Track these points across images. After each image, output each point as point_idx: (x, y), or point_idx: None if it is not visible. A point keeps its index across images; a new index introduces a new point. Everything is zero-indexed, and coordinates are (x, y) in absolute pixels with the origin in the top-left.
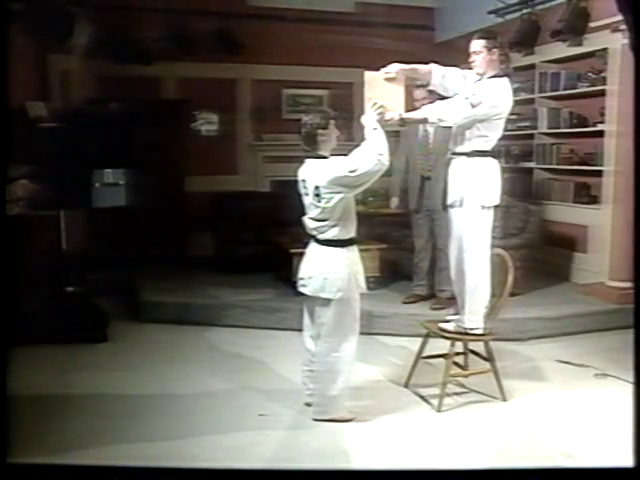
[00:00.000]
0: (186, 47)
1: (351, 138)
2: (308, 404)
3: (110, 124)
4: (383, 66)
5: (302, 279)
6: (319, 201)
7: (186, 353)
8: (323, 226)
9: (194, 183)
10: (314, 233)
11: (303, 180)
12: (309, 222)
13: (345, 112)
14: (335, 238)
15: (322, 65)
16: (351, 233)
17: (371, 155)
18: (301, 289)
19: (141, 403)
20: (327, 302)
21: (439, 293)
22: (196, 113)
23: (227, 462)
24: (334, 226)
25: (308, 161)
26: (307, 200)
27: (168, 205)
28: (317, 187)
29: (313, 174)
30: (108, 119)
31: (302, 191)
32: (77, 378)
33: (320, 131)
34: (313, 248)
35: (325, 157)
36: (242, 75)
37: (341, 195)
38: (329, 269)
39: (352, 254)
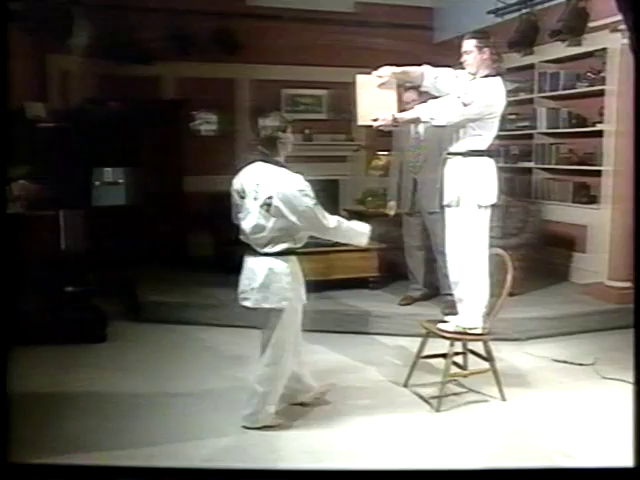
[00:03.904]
0: (185, 47)
1: (351, 138)
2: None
3: (109, 124)
4: (376, 68)
5: (243, 292)
6: (267, 210)
7: (185, 353)
8: (264, 237)
9: (193, 183)
10: (253, 242)
11: (257, 184)
12: (250, 230)
13: (344, 112)
14: (276, 251)
15: (321, 65)
16: (296, 245)
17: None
18: (243, 303)
19: (140, 403)
20: (270, 313)
21: (445, 297)
22: (195, 113)
23: (226, 462)
24: (279, 239)
25: (262, 165)
26: (251, 205)
27: (168, 205)
28: (270, 197)
29: (269, 182)
30: (107, 119)
31: (249, 194)
32: (76, 378)
33: (280, 134)
34: (252, 259)
35: (280, 163)
36: (241, 75)
37: (290, 221)
38: (271, 279)
39: (293, 264)
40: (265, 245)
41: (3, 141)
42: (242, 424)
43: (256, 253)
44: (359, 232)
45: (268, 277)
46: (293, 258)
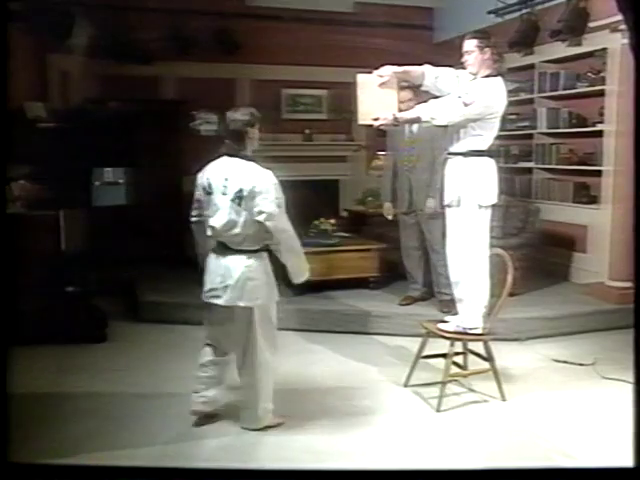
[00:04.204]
0: (185, 47)
1: (351, 138)
2: (198, 416)
3: (109, 124)
4: (377, 68)
5: (214, 290)
6: (239, 204)
7: (185, 353)
8: (238, 234)
9: (193, 183)
10: (226, 240)
11: (226, 178)
12: (221, 227)
13: (344, 112)
14: (249, 248)
15: (321, 65)
16: (270, 242)
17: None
18: (214, 300)
19: (140, 403)
20: (244, 311)
21: (439, 296)
22: (195, 113)
23: (227, 462)
24: (254, 235)
25: (229, 159)
26: (220, 200)
27: (167, 204)
28: (241, 190)
29: (240, 175)
30: (107, 119)
31: (216, 190)
32: (76, 378)
33: (249, 129)
34: (226, 256)
35: (249, 157)
36: (241, 75)
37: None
38: (247, 277)
39: (266, 261)
40: (241, 242)
41: (3, 141)
42: (242, 426)
43: (230, 250)
44: (303, 265)
45: (244, 275)
46: (266, 255)
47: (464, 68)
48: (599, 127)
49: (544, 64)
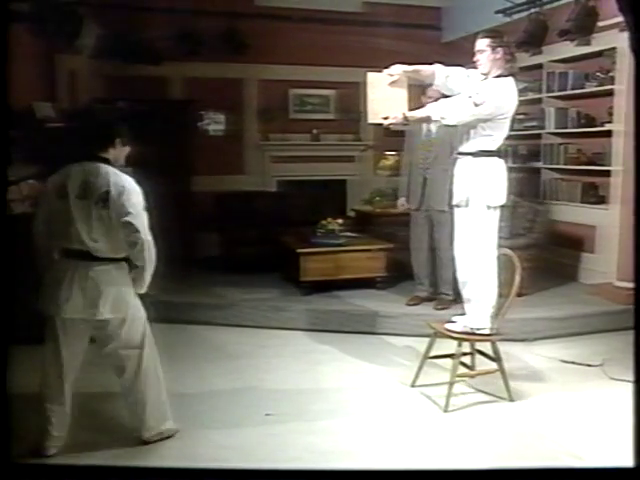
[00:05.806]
0: (193, 47)
1: (358, 138)
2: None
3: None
4: (386, 67)
5: (74, 304)
6: (103, 207)
7: (191, 352)
8: (103, 240)
9: (201, 183)
10: (90, 247)
11: (84, 181)
12: (84, 232)
13: (352, 112)
14: (114, 257)
15: (329, 65)
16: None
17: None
18: (77, 315)
19: None
20: (114, 323)
21: (441, 296)
22: (203, 113)
23: (230, 462)
24: (114, 242)
25: (89, 163)
26: (77, 205)
27: (175, 204)
28: (107, 192)
29: (103, 177)
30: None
31: (71, 193)
32: (81, 377)
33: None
34: (85, 265)
35: (111, 162)
36: (249, 75)
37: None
38: (118, 288)
39: (127, 270)
40: (105, 249)
41: (4, 141)
42: (142, 441)
43: (95, 260)
44: (148, 275)
45: (113, 285)
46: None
47: (475, 68)
48: (608, 127)
49: (552, 64)
